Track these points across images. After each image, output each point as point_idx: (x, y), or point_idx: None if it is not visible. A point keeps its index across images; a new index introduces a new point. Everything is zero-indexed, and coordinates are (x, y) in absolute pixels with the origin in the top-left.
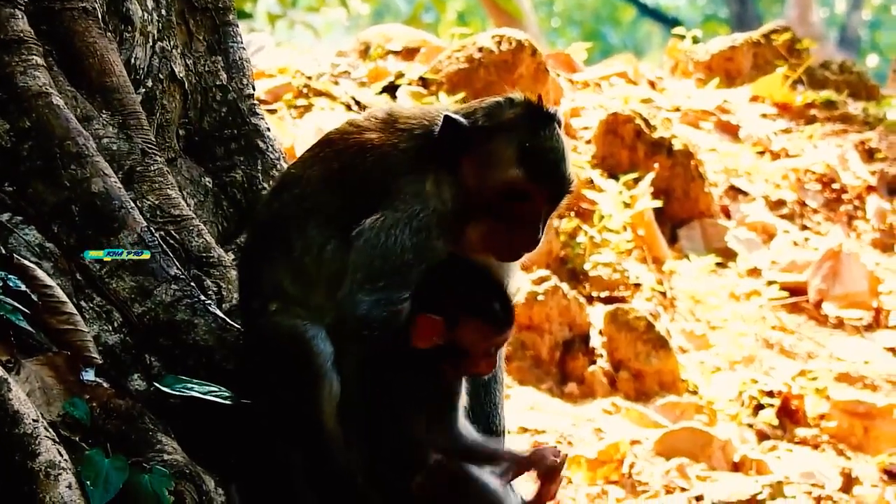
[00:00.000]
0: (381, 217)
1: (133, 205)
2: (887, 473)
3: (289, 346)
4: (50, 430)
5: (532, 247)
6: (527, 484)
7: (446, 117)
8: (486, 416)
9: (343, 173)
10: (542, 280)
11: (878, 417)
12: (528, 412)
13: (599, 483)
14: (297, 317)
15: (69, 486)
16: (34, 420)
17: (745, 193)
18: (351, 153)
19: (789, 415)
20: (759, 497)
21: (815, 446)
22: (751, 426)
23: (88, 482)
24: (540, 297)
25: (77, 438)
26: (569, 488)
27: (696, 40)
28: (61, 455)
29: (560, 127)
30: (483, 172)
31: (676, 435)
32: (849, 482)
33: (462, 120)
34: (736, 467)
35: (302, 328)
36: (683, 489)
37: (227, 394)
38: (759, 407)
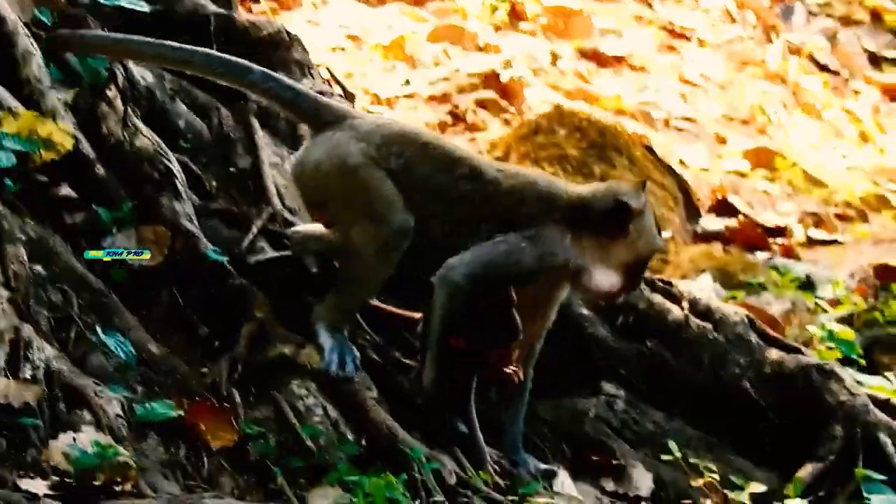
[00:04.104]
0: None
1: None
2: (579, 52)
3: None
4: (25, 27)
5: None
6: None
7: (622, 202)
8: None
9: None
10: None
11: (574, 16)
12: (346, 17)
13: (391, 60)
14: None
15: (38, 66)
16: (13, 20)
17: None
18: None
19: (516, 14)
20: (496, 70)
21: (533, 34)
22: (491, 23)
23: (51, 65)
24: None
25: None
26: (369, 79)
27: None
28: (32, 45)
29: None
30: (641, 240)
31: (441, 28)
32: (554, 59)
33: (632, 205)
34: (480, 49)
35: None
36: (446, 64)
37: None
38: (496, 9)
